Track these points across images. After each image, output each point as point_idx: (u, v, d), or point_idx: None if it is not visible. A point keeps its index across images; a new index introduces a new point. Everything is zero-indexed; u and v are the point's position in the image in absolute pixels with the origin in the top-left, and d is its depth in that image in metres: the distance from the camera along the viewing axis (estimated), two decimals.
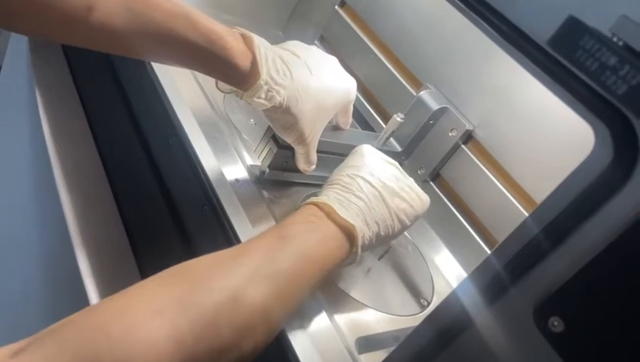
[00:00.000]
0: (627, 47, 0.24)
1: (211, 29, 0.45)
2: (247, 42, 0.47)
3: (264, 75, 0.47)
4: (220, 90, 0.51)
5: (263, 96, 0.48)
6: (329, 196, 0.46)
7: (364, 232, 0.45)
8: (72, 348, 0.29)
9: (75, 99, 0.73)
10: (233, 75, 0.47)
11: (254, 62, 0.47)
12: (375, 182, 0.47)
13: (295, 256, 0.40)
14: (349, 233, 0.44)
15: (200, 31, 0.45)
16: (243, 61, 0.47)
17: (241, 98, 0.49)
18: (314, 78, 0.51)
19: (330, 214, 0.44)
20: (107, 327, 0.30)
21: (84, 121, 0.71)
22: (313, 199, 0.45)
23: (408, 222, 0.49)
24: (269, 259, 0.38)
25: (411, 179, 0.51)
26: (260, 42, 0.48)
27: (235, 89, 0.49)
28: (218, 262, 0.37)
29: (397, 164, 0.51)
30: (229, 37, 0.46)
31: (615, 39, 0.24)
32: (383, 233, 0.47)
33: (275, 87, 0.48)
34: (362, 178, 0.47)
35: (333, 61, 0.56)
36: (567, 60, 0.25)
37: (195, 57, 0.46)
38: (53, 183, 0.61)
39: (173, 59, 0.47)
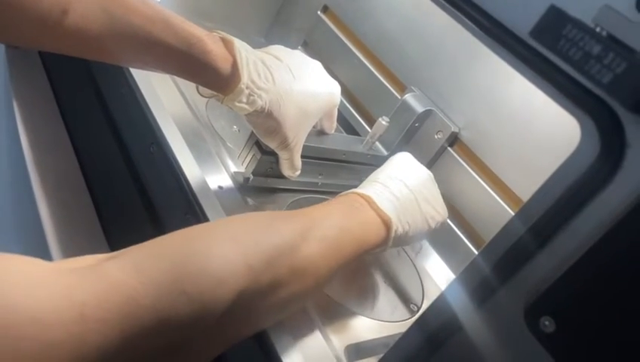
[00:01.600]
0: (611, 37, 0.23)
1: (190, 33, 0.44)
2: (228, 46, 0.47)
3: (245, 79, 0.46)
4: (200, 94, 0.50)
5: (245, 100, 0.47)
6: (368, 190, 0.49)
7: (397, 226, 0.47)
8: (160, 255, 0.32)
9: (53, 109, 0.71)
10: (213, 79, 0.46)
11: (235, 66, 0.46)
12: (412, 186, 0.50)
13: (338, 228, 0.43)
14: (385, 223, 0.47)
15: (179, 34, 0.44)
16: (223, 65, 0.46)
17: (222, 103, 0.48)
18: (297, 82, 0.50)
19: (370, 204, 0.47)
20: (192, 242, 0.35)
21: (63, 130, 0.69)
22: (354, 190, 0.49)
23: (433, 227, 0.52)
24: (318, 225, 0.42)
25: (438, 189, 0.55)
26: (240, 45, 0.47)
27: (216, 93, 0.48)
28: (276, 217, 0.42)
29: (430, 173, 0.55)
30: (209, 40, 0.45)
31: (598, 29, 0.24)
32: (411, 233, 0.49)
33: (257, 91, 0.47)
34: (401, 180, 0.50)
35: (316, 65, 0.55)
36: (550, 50, 0.24)
37: (174, 61, 0.45)
38: (32, 195, 0.60)
39: (152, 64, 0.46)
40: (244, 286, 0.34)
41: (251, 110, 0.47)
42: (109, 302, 0.28)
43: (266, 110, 0.48)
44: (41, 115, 0.69)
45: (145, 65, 0.47)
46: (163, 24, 0.43)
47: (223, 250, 0.35)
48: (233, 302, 0.34)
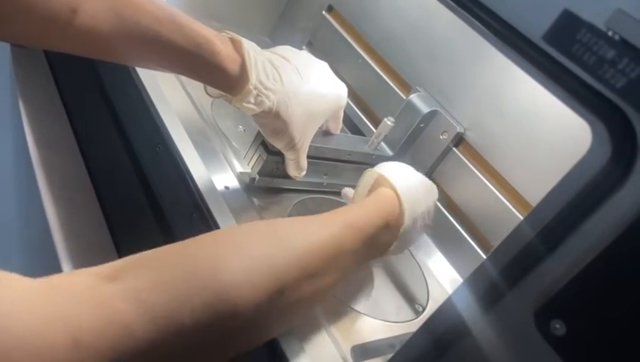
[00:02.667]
0: (624, 42, 0.23)
1: (199, 33, 0.44)
2: (236, 46, 0.46)
3: (253, 80, 0.46)
4: (208, 94, 0.50)
5: (252, 100, 0.47)
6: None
7: (405, 196, 0.49)
8: (164, 283, 0.30)
9: (59, 109, 0.71)
10: (222, 80, 0.46)
11: (243, 67, 0.46)
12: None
13: (340, 224, 0.42)
14: (397, 195, 0.48)
15: (188, 35, 0.44)
16: (232, 65, 0.46)
17: (230, 103, 0.48)
18: (304, 82, 0.50)
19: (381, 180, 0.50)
20: (200, 265, 0.32)
21: (69, 130, 0.69)
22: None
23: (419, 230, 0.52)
24: (322, 227, 0.41)
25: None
26: (249, 46, 0.47)
27: (224, 94, 0.48)
28: (307, 222, 0.41)
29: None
30: (218, 41, 0.45)
31: (611, 33, 0.24)
32: (419, 223, 0.51)
33: (265, 92, 0.47)
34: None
35: (323, 66, 0.55)
36: (564, 54, 0.24)
37: (183, 62, 0.45)
38: (38, 194, 0.60)
39: (160, 64, 0.46)
40: (258, 315, 0.33)
41: (259, 111, 0.47)
42: (104, 331, 0.26)
43: (273, 111, 0.48)
44: (47, 115, 0.69)
45: (153, 65, 0.47)
46: (172, 24, 0.43)
47: (235, 277, 0.32)
48: (241, 333, 0.33)
